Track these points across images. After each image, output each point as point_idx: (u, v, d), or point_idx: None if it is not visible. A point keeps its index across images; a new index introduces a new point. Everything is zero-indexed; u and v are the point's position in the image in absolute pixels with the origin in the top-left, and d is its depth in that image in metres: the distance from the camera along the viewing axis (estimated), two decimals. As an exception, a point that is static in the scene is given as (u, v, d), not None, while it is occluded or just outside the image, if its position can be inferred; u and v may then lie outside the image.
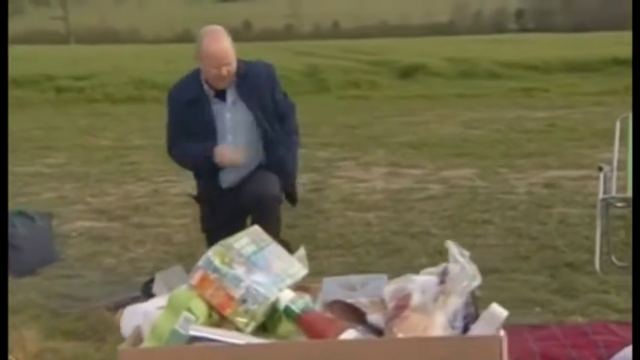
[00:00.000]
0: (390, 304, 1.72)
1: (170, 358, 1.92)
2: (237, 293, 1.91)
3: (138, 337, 1.99)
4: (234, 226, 4.48)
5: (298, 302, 1.89)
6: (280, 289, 1.93)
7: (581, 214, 5.98)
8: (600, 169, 5.05)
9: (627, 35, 7.08)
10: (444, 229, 5.83)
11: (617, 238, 5.37)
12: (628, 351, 3.22)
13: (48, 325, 3.97)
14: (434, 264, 5.08)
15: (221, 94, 4.37)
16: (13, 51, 24.68)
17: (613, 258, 5.02)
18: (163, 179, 7.54)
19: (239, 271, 1.94)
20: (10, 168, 8.50)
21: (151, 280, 4.24)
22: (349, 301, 1.81)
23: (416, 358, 1.71)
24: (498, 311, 1.73)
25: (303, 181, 7.64)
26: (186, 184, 5.17)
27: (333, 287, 1.89)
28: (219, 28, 4.38)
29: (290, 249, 4.95)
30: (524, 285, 4.60)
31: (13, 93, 15.31)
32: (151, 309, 2.05)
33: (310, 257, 5.15)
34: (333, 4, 53.65)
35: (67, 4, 49.74)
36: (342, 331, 1.77)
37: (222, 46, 4.26)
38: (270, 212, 4.35)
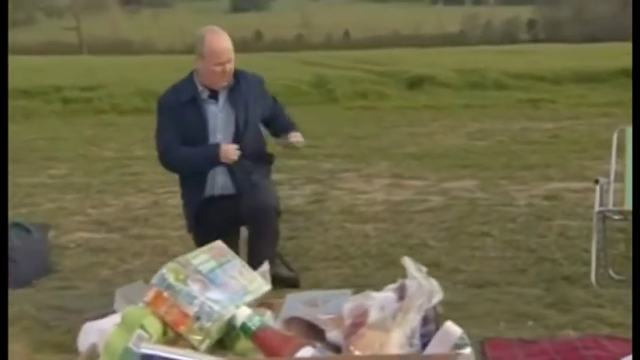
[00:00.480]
0: (347, 322, 1.70)
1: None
2: (191, 310, 1.90)
3: (93, 354, 1.98)
4: (228, 237, 4.55)
5: (255, 319, 1.87)
6: (238, 306, 1.91)
7: (580, 227, 5.94)
8: (596, 181, 5.02)
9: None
10: (442, 242, 5.81)
11: (616, 251, 5.35)
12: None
13: (38, 338, 3.97)
14: (430, 276, 5.11)
15: (214, 96, 4.46)
16: (24, 61, 24.90)
17: (610, 271, 4.99)
18: (164, 190, 7.54)
19: (194, 288, 1.93)
20: (13, 179, 8.58)
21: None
22: (307, 317, 1.79)
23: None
24: (453, 329, 1.71)
25: (305, 192, 7.67)
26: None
27: (295, 304, 1.87)
28: (218, 27, 4.48)
29: (285, 261, 5.00)
30: (519, 298, 4.56)
31: (20, 103, 15.46)
32: (108, 326, 2.04)
33: (306, 269, 5.24)
34: (345, 14, 53.80)
35: (79, 15, 50.09)
36: (298, 348, 1.75)
37: (224, 44, 4.39)
38: (268, 224, 4.38)
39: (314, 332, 1.73)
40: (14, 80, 17.84)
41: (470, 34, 53.08)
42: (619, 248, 5.39)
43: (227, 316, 1.90)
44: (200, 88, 4.47)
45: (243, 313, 1.88)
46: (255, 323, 1.86)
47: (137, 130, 12.63)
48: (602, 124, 11.40)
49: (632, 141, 5.07)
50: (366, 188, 7.78)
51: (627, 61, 17.20)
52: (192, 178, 4.55)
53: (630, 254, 5.07)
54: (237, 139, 4.45)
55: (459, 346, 1.80)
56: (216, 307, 1.90)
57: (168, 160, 4.56)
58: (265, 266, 2.15)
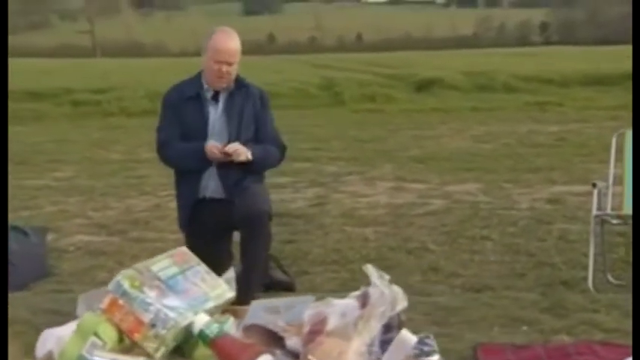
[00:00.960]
0: (305, 329, 1.69)
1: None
2: (147, 318, 1.89)
3: (48, 362, 1.98)
4: (221, 241, 4.55)
5: (213, 326, 1.86)
6: (196, 313, 1.90)
7: (581, 231, 5.89)
8: (594, 185, 4.99)
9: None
10: (442, 245, 5.79)
11: (616, 256, 5.32)
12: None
13: (30, 342, 3.96)
14: (427, 280, 5.11)
15: (216, 97, 4.47)
16: (36, 64, 25.02)
17: (609, 276, 4.96)
18: (166, 193, 7.55)
19: (150, 294, 1.92)
20: (18, 181, 8.64)
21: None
22: (268, 325, 1.78)
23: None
24: (408, 337, 1.70)
25: (307, 195, 7.66)
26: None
27: (258, 311, 1.86)
28: (231, 29, 4.49)
29: (280, 265, 4.98)
30: (515, 303, 4.54)
31: (30, 106, 15.55)
32: (66, 333, 2.04)
33: (304, 273, 5.23)
34: (357, 17, 53.82)
35: (93, 19, 50.35)
36: (257, 355, 1.73)
37: (230, 44, 4.39)
38: (260, 228, 4.35)
39: (274, 340, 1.72)
40: (25, 83, 18.02)
41: (483, 36, 53.02)
42: (619, 252, 5.36)
43: (183, 323, 1.89)
44: (205, 86, 4.49)
45: (201, 320, 1.86)
46: (213, 330, 1.84)
47: (144, 132, 12.62)
48: (610, 128, 11.28)
49: (632, 145, 5.04)
50: (368, 191, 7.76)
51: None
52: (186, 179, 4.55)
53: (630, 259, 5.04)
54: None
55: (427, 353, 1.79)
56: (171, 314, 1.89)
57: (164, 155, 4.58)
58: (230, 272, 2.14)
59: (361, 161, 9.48)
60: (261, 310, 1.83)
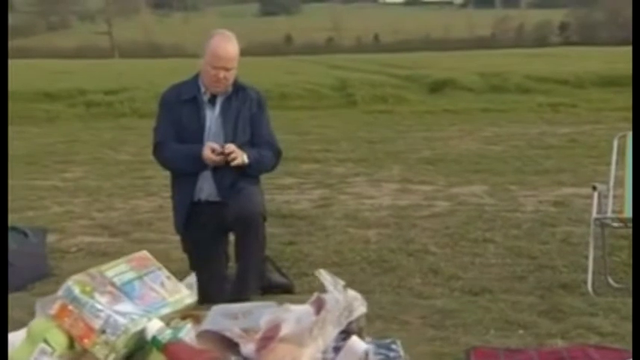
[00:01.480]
0: (258, 335, 1.67)
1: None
2: (97, 324, 1.88)
3: (0, 368, 1.96)
4: (216, 244, 4.55)
5: (166, 332, 1.85)
6: (150, 319, 1.89)
7: (585, 234, 5.82)
8: (594, 188, 4.95)
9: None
10: (444, 248, 5.76)
11: (618, 259, 5.28)
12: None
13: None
14: (427, 283, 5.09)
15: (213, 100, 4.47)
16: (52, 65, 25.15)
17: (610, 279, 4.92)
18: (170, 195, 7.57)
19: (101, 300, 1.92)
20: (27, 182, 8.69)
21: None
22: (222, 331, 1.76)
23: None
24: (357, 344, 1.68)
25: (312, 197, 7.65)
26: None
27: (217, 316, 1.85)
28: (230, 33, 4.46)
29: (277, 267, 4.97)
30: (512, 306, 4.51)
31: (44, 107, 15.63)
32: (18, 338, 2.03)
33: (303, 275, 5.21)
34: (375, 18, 53.75)
35: (111, 20, 50.60)
36: (209, 361, 1.73)
37: (228, 50, 4.39)
38: (254, 230, 4.35)
39: (229, 346, 1.71)
40: (41, 83, 18.13)
41: (501, 37, 52.78)
42: (622, 256, 5.31)
43: (135, 329, 1.88)
44: (203, 89, 4.48)
45: (154, 326, 1.85)
46: (166, 336, 1.83)
47: (154, 133, 12.70)
48: (622, 129, 11.21)
49: (632, 147, 4.99)
50: (373, 193, 7.74)
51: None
52: (181, 182, 4.56)
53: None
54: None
55: (392, 358, 1.77)
56: (122, 320, 1.89)
57: (160, 156, 4.58)
58: (192, 277, 2.12)
59: (369, 162, 9.45)
60: (220, 315, 1.82)
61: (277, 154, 4.66)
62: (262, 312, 1.73)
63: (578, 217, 6.39)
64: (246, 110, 4.50)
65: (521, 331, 4.17)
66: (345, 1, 60.81)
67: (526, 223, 6.35)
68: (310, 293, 4.87)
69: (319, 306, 1.75)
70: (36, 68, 23.73)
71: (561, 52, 27.15)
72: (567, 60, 21.97)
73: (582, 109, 14.43)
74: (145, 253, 2.22)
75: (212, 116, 4.46)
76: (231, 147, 4.32)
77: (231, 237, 4.59)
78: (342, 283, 1.85)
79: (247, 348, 1.66)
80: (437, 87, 17.01)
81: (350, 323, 1.74)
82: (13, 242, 4.96)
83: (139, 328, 1.87)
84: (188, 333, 1.86)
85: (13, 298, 4.73)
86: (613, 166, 5.15)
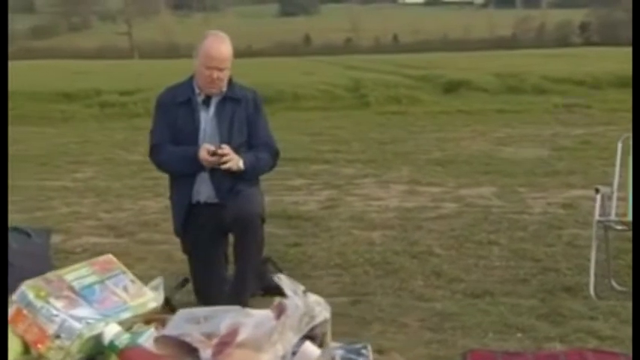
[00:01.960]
0: (214, 340, 1.66)
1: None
2: (51, 328, 1.87)
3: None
4: (215, 245, 4.55)
5: (123, 337, 1.84)
6: (108, 323, 1.89)
7: (590, 236, 5.76)
8: (597, 190, 4.91)
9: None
10: (448, 250, 5.74)
11: (623, 262, 5.24)
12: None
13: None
14: (429, 285, 5.07)
15: (208, 102, 4.46)
16: (70, 65, 25.29)
17: (613, 282, 4.88)
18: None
19: (56, 305, 1.91)
20: (38, 182, 8.75)
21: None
22: (181, 336, 1.75)
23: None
24: (310, 349, 1.67)
25: (320, 198, 7.64)
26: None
27: (180, 320, 1.84)
28: (224, 34, 4.46)
29: (279, 269, 4.96)
30: (512, 309, 4.50)
31: (59, 107, 15.72)
32: None
33: (305, 277, 5.20)
34: (394, 18, 53.60)
35: (131, 20, 50.80)
36: (166, 367, 1.72)
37: (222, 50, 4.38)
38: (252, 231, 4.34)
39: (187, 351, 1.70)
40: (58, 84, 18.24)
41: (522, 37, 52.48)
42: (626, 259, 5.26)
43: (90, 334, 1.86)
44: (197, 90, 4.48)
45: (111, 331, 1.84)
46: (122, 341, 1.82)
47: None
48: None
49: (633, 148, 4.95)
50: (381, 194, 7.72)
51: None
52: (179, 184, 4.56)
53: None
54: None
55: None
56: (77, 325, 1.88)
57: (155, 159, 4.58)
58: (158, 281, 2.12)
59: (378, 163, 9.43)
60: (183, 320, 1.81)
61: (275, 154, 4.64)
62: (225, 316, 1.72)
63: (586, 220, 6.32)
64: (242, 111, 4.48)
65: (519, 335, 4.16)
66: (363, 1, 60.66)
67: (532, 225, 6.32)
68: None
69: (280, 311, 1.73)
70: (57, 69, 23.88)
71: (581, 53, 26.92)
72: (586, 60, 21.79)
73: (597, 109, 14.31)
74: (110, 256, 2.22)
75: (207, 117, 4.46)
76: (225, 149, 4.31)
77: (231, 238, 4.59)
78: (302, 288, 1.83)
79: (206, 353, 1.65)
80: (452, 88, 16.92)
81: (313, 329, 1.73)
82: (15, 243, 4.95)
83: (94, 332, 1.86)
84: (150, 338, 1.86)
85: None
86: (617, 168, 5.10)
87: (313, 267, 5.43)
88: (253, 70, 21.10)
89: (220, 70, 4.37)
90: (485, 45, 43.18)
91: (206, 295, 4.44)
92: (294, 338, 1.66)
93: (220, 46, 4.38)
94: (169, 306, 2.76)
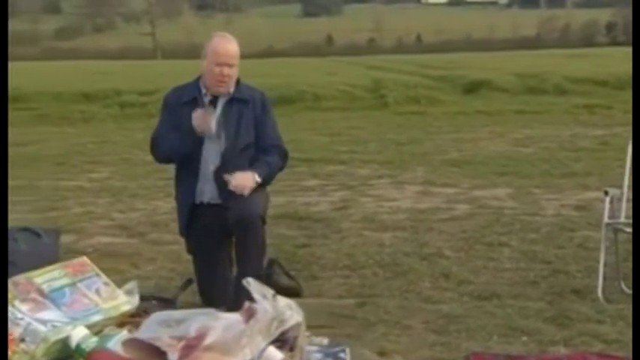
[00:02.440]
0: (181, 344, 1.65)
1: None
2: (16, 332, 1.86)
3: None
4: (219, 247, 4.55)
5: (90, 340, 1.83)
6: (75, 326, 1.88)
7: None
8: (606, 193, 4.86)
9: None
10: (458, 252, 5.70)
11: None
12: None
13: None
14: (436, 287, 5.04)
15: (214, 102, 4.44)
16: (92, 66, 25.46)
17: (623, 285, 4.82)
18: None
19: (22, 308, 1.90)
20: (54, 182, 8.80)
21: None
22: (149, 339, 1.74)
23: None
24: (273, 354, 1.65)
25: (333, 199, 7.63)
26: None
27: (152, 323, 1.83)
28: (231, 36, 4.49)
29: (285, 270, 4.95)
30: (519, 312, 4.45)
31: (80, 107, 15.83)
32: None
33: (313, 278, 5.20)
34: (417, 18, 53.44)
35: (155, 21, 51.06)
36: (133, 370, 1.71)
37: (228, 47, 4.39)
38: (253, 232, 4.32)
39: (156, 355, 1.69)
40: (80, 84, 18.37)
41: (546, 37, 52.13)
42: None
43: (55, 337, 1.86)
44: (204, 91, 4.47)
45: (78, 334, 1.84)
46: (90, 345, 1.82)
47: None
48: (657, 131, 11.03)
49: (633, 150, 4.89)
50: (395, 195, 7.69)
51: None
52: (183, 185, 4.56)
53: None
54: (226, 153, 4.42)
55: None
56: (42, 328, 1.87)
57: (155, 151, 4.54)
58: (132, 284, 2.11)
59: (394, 164, 9.40)
60: (155, 323, 1.80)
61: (284, 156, 4.62)
62: (194, 320, 1.71)
63: (598, 222, 6.17)
64: (249, 112, 4.47)
65: (524, 338, 4.12)
66: (387, 1, 60.54)
67: (545, 227, 6.27)
68: (318, 297, 4.92)
69: (249, 315, 1.72)
70: (79, 69, 24.06)
71: (607, 53, 26.68)
72: (611, 61, 21.57)
73: (618, 110, 14.17)
74: (84, 259, 2.21)
75: (213, 118, 4.45)
76: (236, 178, 4.25)
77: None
78: (271, 292, 1.82)
79: (175, 356, 1.64)
80: (472, 88, 16.84)
81: (284, 333, 1.71)
82: (23, 243, 4.99)
83: (61, 336, 1.86)
84: (118, 342, 1.85)
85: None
86: (627, 170, 5.03)
87: (321, 268, 5.41)
88: (275, 70, 21.14)
89: (230, 66, 4.36)
90: (509, 45, 42.95)
91: (210, 296, 4.44)
92: (263, 342, 1.65)
93: (227, 44, 4.39)
94: (144, 309, 2.77)
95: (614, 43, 44.74)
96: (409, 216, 6.77)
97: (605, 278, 4.74)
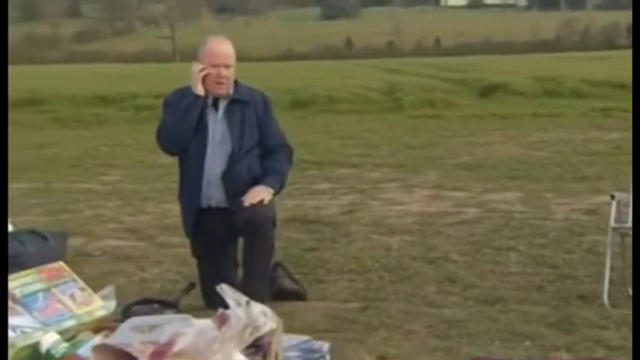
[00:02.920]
0: (150, 350, 1.65)
1: None
2: None
3: None
4: (225, 249, 4.55)
5: (60, 346, 1.83)
6: (46, 332, 1.87)
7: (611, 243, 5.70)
8: (612, 197, 4.82)
9: None
10: (465, 256, 5.67)
11: (642, 269, 5.11)
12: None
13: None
14: (442, 292, 5.02)
15: (216, 104, 4.46)
16: (108, 69, 25.59)
17: (629, 290, 4.78)
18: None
19: None
20: (66, 185, 8.84)
21: (135, 303, 4.25)
22: (119, 345, 1.74)
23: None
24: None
25: (342, 202, 7.62)
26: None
27: (126, 329, 1.82)
28: (224, 38, 4.52)
29: (290, 273, 4.94)
30: (522, 317, 4.41)
31: (94, 110, 15.92)
32: None
33: (318, 281, 5.19)
34: (436, 21, 53.37)
35: (174, 24, 51.33)
36: (102, 376, 1.71)
37: (223, 48, 4.41)
38: (262, 235, 4.33)
39: (128, 360, 1.69)
40: (97, 88, 18.47)
41: (566, 40, 51.91)
42: (646, 266, 5.13)
43: (24, 343, 1.85)
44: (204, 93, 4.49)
45: (48, 340, 1.84)
46: (60, 350, 1.82)
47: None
48: (672, 135, 10.92)
49: (633, 150, 4.84)
50: (405, 199, 7.67)
51: None
52: (188, 187, 4.57)
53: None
54: (233, 155, 4.42)
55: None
56: (11, 334, 1.87)
57: (160, 138, 4.51)
58: (109, 289, 2.11)
59: (406, 168, 9.38)
60: (129, 328, 1.80)
61: (290, 154, 4.64)
62: (168, 326, 1.71)
63: (608, 226, 6.21)
64: (251, 113, 4.48)
65: (527, 343, 4.08)
66: (405, 4, 60.48)
67: (554, 231, 6.22)
68: (323, 300, 4.91)
69: (222, 321, 1.72)
70: (97, 73, 24.20)
71: (627, 56, 26.32)
72: (631, 64, 21.40)
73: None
74: (60, 264, 2.21)
75: (215, 119, 4.46)
76: (254, 196, 4.28)
77: (241, 243, 4.58)
78: (245, 298, 1.81)
79: (146, 362, 1.64)
80: (488, 91, 16.77)
81: (258, 339, 1.71)
82: (31, 245, 5.03)
83: (30, 341, 1.85)
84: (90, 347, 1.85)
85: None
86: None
87: (328, 272, 5.40)
88: (292, 73, 21.16)
89: (227, 66, 4.37)
90: (528, 48, 42.83)
91: (213, 300, 4.44)
92: (235, 349, 1.64)
93: (222, 45, 4.42)
94: (125, 314, 2.80)
95: (636, 45, 44.36)
96: (418, 220, 6.75)
97: (611, 283, 4.70)
